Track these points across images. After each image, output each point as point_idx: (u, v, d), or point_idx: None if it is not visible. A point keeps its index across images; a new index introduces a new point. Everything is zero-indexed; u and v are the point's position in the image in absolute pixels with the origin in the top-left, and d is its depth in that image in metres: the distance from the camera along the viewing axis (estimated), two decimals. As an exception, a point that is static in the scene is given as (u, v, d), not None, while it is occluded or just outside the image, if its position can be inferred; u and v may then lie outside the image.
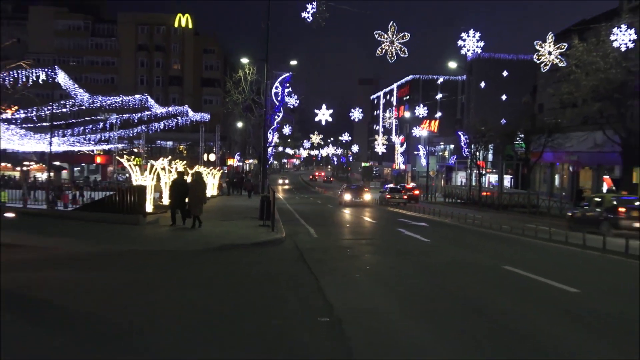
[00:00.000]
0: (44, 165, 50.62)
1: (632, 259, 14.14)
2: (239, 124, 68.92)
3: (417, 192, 55.13)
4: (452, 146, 73.27)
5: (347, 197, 42.10)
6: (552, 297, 9.38)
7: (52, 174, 43.50)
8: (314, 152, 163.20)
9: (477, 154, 53.50)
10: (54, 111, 28.71)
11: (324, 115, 63.94)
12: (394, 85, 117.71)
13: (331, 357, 5.77)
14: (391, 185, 57.87)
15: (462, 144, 55.89)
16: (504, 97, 66.50)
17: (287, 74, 36.22)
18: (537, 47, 26.18)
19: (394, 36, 23.94)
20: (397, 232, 21.52)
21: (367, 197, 43.73)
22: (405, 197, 48.78)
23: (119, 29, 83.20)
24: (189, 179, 19.83)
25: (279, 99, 32.70)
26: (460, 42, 25.82)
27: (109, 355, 5.62)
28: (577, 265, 13.82)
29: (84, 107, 32.01)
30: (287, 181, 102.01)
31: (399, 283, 10.65)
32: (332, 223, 26.04)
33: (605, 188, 40.24)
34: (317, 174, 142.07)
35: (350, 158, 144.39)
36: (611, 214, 20.99)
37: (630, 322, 7.79)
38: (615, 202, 21.69)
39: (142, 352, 5.72)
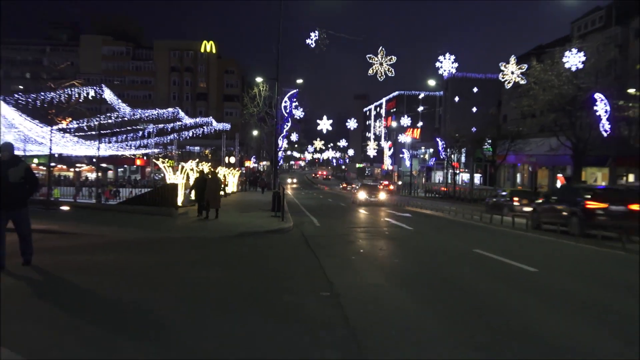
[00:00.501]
0: (93, 167, 50.62)
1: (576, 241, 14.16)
2: (255, 132, 68.78)
3: (391, 187, 56.67)
4: (431, 150, 73.20)
5: (363, 195, 33.65)
6: (514, 275, 9.37)
7: (99, 174, 43.50)
8: (317, 155, 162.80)
9: (452, 156, 53.51)
10: (101, 122, 28.67)
11: (324, 124, 63.77)
12: (383, 100, 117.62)
13: (331, 322, 5.78)
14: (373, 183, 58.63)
15: (440, 148, 55.85)
16: (474, 109, 66.26)
17: (294, 91, 36.13)
18: (502, 68, 26.13)
19: (383, 59, 23.89)
20: (385, 221, 21.52)
21: (383, 196, 35.47)
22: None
23: (154, 53, 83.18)
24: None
25: (288, 111, 32.68)
26: (438, 64, 25.73)
27: (148, 314, 5.65)
28: (535, 249, 13.76)
29: (126, 119, 31.97)
30: (295, 180, 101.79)
31: (386, 263, 10.65)
32: (332, 214, 26.03)
33: (559, 184, 40.20)
34: (319, 173, 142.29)
35: (347, 160, 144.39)
36: (510, 201, 25.33)
37: (578, 296, 7.78)
38: (511, 193, 26.63)
39: (174, 319, 5.73)
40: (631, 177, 31.88)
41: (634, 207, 15.47)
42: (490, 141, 45.38)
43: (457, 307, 6.80)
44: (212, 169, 23.18)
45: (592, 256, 12.47)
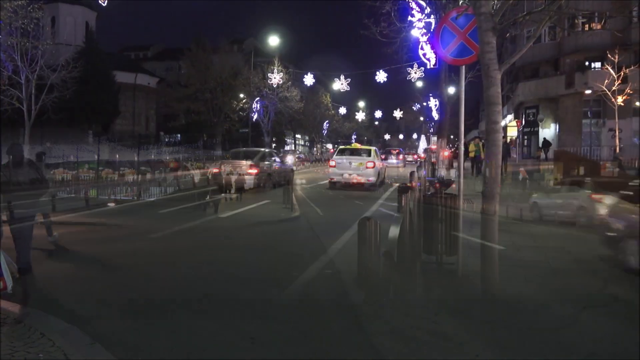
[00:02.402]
0: (134, 170, 50.64)
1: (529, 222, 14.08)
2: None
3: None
4: (414, 150, 73.08)
5: None
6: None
7: (139, 176, 43.40)
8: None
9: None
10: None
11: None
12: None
13: (335, 297, 5.79)
14: None
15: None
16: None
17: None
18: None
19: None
20: (377, 210, 21.34)
21: None
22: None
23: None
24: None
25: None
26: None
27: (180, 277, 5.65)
28: (503, 230, 13.59)
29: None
30: (303, 180, 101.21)
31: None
32: (333, 205, 25.81)
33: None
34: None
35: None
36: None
37: (537, 268, 7.77)
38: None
39: (199, 287, 5.74)
40: None
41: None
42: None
43: (433, 275, 6.80)
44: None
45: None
